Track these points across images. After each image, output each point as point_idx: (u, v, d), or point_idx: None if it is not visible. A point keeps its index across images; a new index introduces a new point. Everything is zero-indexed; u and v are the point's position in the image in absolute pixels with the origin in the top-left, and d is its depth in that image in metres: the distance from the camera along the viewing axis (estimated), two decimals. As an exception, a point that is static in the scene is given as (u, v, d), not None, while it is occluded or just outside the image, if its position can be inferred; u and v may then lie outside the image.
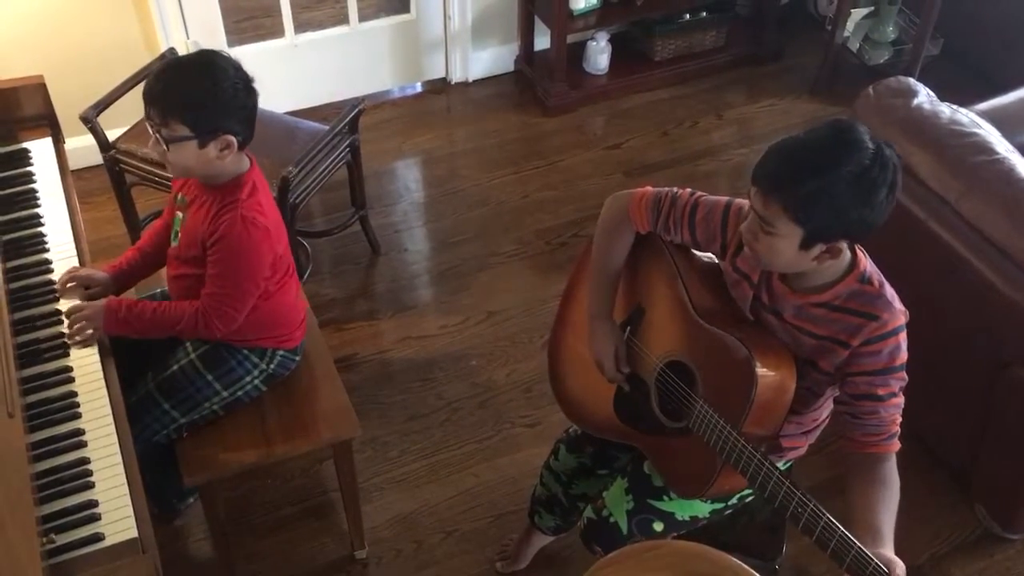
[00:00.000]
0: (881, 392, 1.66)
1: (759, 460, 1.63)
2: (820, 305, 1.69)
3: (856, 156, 1.51)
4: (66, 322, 2.02)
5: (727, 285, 1.83)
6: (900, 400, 1.68)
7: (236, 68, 1.95)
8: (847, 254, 1.66)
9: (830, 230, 1.56)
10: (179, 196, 2.12)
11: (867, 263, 1.69)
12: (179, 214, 2.12)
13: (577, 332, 2.08)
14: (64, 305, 2.08)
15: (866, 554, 1.48)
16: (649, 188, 1.88)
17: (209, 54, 1.97)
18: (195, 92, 1.90)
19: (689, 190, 1.85)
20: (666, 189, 1.86)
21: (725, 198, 1.81)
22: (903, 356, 1.67)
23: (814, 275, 1.68)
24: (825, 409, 1.88)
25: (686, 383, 1.81)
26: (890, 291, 1.68)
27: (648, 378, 1.91)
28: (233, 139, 1.94)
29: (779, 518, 2.11)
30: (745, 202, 1.77)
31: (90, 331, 2.00)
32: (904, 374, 1.68)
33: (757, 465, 1.64)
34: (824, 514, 1.54)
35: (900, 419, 1.68)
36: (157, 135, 1.92)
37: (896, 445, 1.68)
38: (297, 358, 2.29)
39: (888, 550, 1.53)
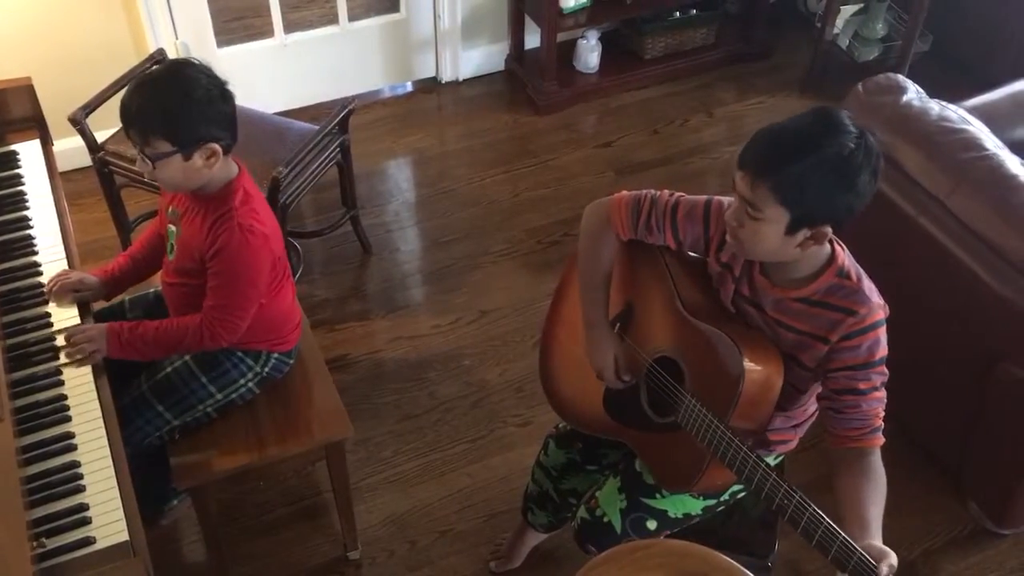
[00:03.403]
0: (862, 386, 1.67)
1: (745, 453, 1.64)
2: (799, 300, 1.70)
3: (840, 139, 1.53)
4: (61, 341, 2.00)
5: (712, 281, 1.83)
6: (882, 394, 1.69)
7: (207, 75, 1.92)
8: (827, 247, 1.68)
9: (816, 213, 1.57)
10: (170, 209, 2.11)
11: (845, 257, 1.71)
12: (172, 227, 2.10)
13: (569, 331, 2.08)
14: (53, 308, 2.07)
15: (850, 544, 1.49)
16: (625, 192, 1.89)
17: (178, 65, 1.95)
18: (169, 106, 1.87)
19: (667, 191, 1.86)
20: (644, 191, 1.87)
21: (704, 196, 1.83)
22: (883, 351, 1.68)
23: (794, 268, 1.69)
24: (814, 404, 1.88)
25: (675, 379, 1.82)
26: (868, 285, 1.69)
27: (637, 375, 1.92)
28: (217, 146, 1.92)
29: (772, 515, 2.12)
30: (725, 199, 1.77)
31: (91, 351, 1.97)
32: (884, 368, 1.69)
33: (744, 458, 1.64)
34: (809, 505, 1.55)
35: (883, 413, 1.69)
36: (141, 154, 1.91)
37: (880, 439, 1.68)
38: (291, 361, 2.28)
39: (877, 541, 1.53)
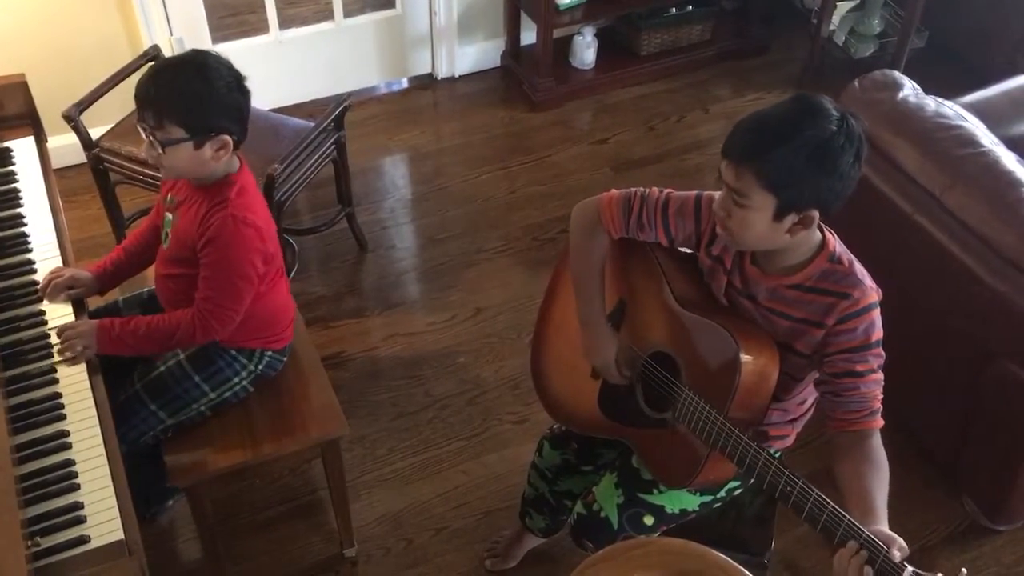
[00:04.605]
0: (860, 368, 1.67)
1: (746, 442, 1.64)
2: (793, 287, 1.70)
3: (821, 123, 1.55)
4: (55, 339, 1.99)
5: (704, 275, 1.84)
6: (879, 376, 1.69)
7: (228, 67, 1.93)
8: (817, 234, 1.68)
9: (801, 197, 1.58)
10: (168, 197, 2.11)
11: (836, 243, 1.72)
12: (169, 215, 2.10)
13: (560, 330, 2.07)
14: (48, 306, 2.06)
15: (856, 527, 1.49)
16: (615, 190, 1.89)
17: (201, 54, 1.95)
18: (189, 93, 1.88)
19: (657, 188, 1.86)
20: (634, 189, 1.87)
21: (695, 192, 1.83)
22: (878, 333, 1.69)
23: (785, 256, 1.70)
24: (810, 396, 1.89)
25: (670, 374, 1.81)
26: (860, 269, 1.70)
27: (633, 371, 1.91)
28: (229, 139, 1.93)
29: (768, 511, 2.12)
30: (716, 193, 1.78)
31: (81, 347, 1.97)
32: (881, 350, 1.69)
33: (744, 447, 1.64)
34: (813, 490, 1.55)
35: (881, 396, 1.69)
36: (151, 138, 1.90)
37: (879, 421, 1.68)
38: (285, 358, 2.27)
39: (884, 526, 1.53)
